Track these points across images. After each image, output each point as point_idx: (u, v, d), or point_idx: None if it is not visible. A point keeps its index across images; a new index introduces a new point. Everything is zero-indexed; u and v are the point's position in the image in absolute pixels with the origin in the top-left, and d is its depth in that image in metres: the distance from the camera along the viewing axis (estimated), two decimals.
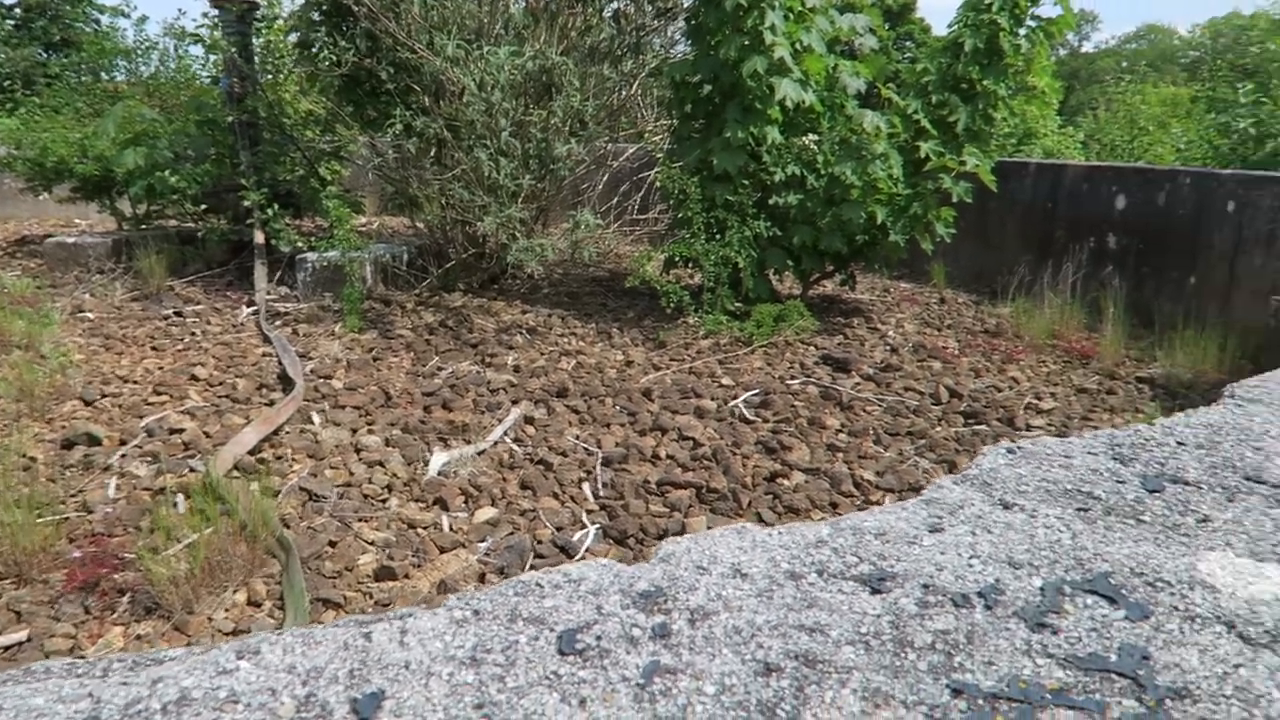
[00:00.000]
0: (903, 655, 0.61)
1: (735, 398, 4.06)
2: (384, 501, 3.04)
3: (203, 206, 6.87)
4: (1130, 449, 1.00)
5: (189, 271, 6.59)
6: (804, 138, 5.15)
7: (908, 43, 10.01)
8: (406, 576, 2.55)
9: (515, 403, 3.96)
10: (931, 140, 5.05)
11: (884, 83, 5.37)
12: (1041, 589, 0.70)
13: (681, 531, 2.74)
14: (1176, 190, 5.70)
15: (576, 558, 2.78)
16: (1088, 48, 49.29)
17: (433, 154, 5.64)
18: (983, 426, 3.84)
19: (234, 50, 6.27)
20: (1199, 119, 13.40)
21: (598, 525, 2.90)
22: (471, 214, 5.41)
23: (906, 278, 7.10)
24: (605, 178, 6.98)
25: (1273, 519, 0.84)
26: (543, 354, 4.78)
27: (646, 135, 6.15)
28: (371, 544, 2.74)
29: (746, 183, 5.17)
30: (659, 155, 5.31)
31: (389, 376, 4.35)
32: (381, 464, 3.32)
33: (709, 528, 2.71)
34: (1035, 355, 4.96)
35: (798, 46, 4.99)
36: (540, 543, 2.77)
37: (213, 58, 7.77)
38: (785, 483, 3.25)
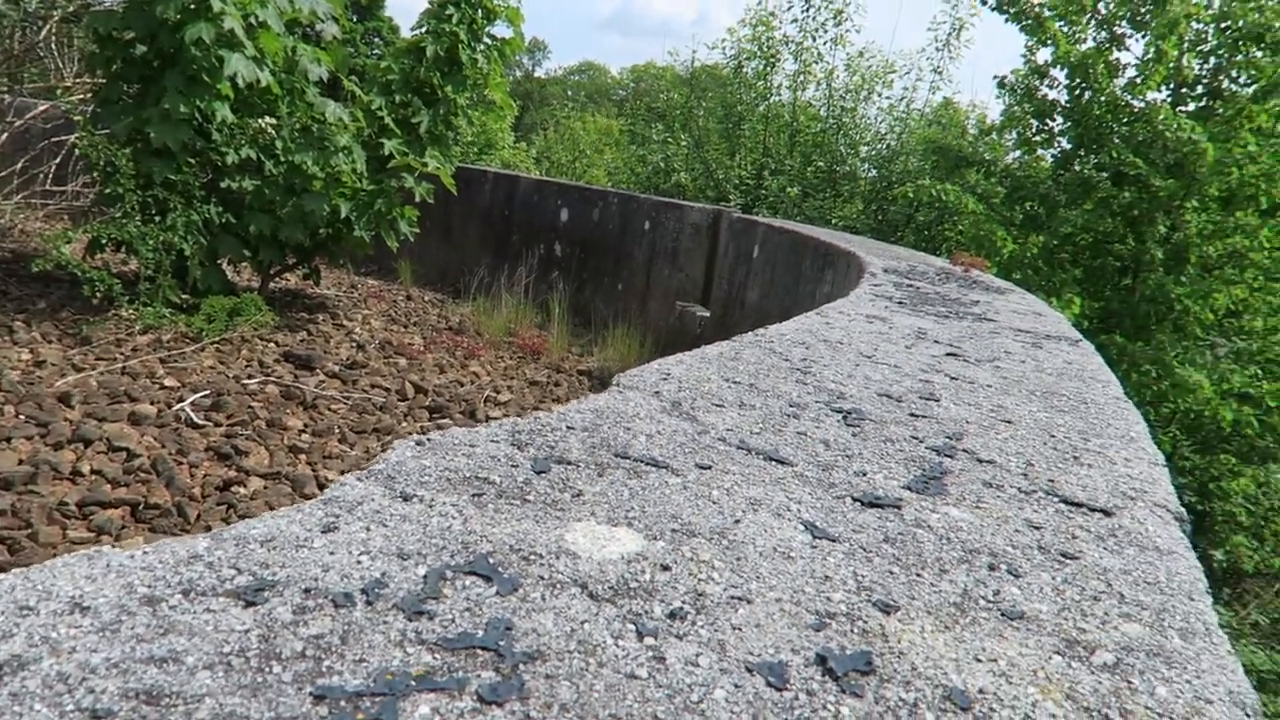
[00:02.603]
0: (267, 670, 0.57)
1: (181, 400, 3.64)
2: None
3: None
4: (528, 435, 1.10)
5: None
6: (261, 120, 4.80)
7: (376, 39, 10.01)
8: None
9: None
10: (395, 139, 5.10)
11: (348, 75, 5.27)
12: (425, 577, 0.72)
13: None
14: (607, 208, 6.59)
15: None
16: (540, 73, 54.52)
17: None
18: (447, 420, 3.98)
19: None
20: (625, 149, 15.75)
21: None
22: None
23: (374, 274, 7.08)
24: (5, 138, 5.70)
25: (630, 489, 0.99)
26: None
27: (63, 93, 5.16)
28: None
29: (193, 161, 4.65)
30: (80, 118, 4.49)
31: None
32: None
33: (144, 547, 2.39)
34: (494, 351, 5.31)
35: (252, 21, 4.63)
36: None
37: None
38: (241, 490, 3.01)
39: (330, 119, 4.79)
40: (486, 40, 5.45)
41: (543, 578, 0.76)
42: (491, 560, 0.76)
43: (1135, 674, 0.77)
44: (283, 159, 4.86)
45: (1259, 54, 7.25)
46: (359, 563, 0.72)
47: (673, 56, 17.11)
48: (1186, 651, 0.82)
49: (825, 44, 11.48)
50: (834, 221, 9.99)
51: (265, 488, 3.05)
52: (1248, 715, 0.76)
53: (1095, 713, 0.70)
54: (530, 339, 5.60)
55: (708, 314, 5.89)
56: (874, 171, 11.23)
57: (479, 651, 0.63)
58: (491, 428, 1.09)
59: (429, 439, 0.99)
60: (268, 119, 4.81)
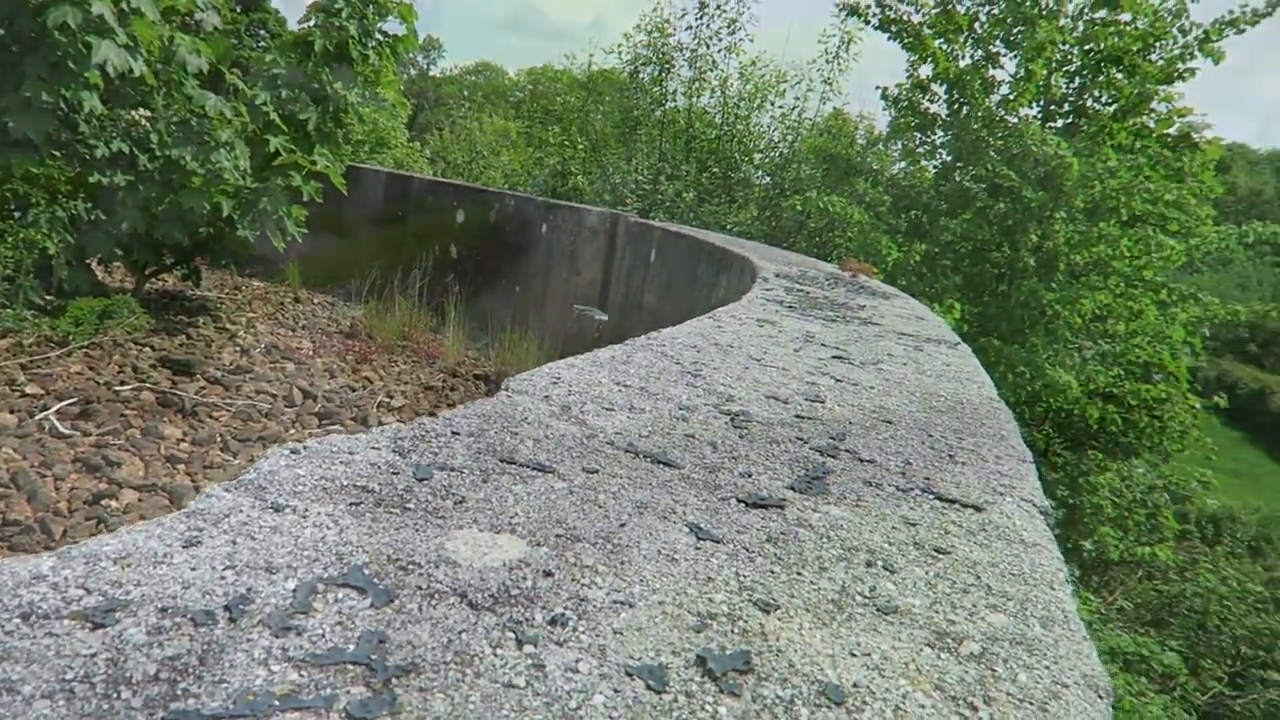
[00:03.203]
0: (115, 696, 0.54)
1: (45, 409, 3.42)
2: None
3: None
4: (411, 441, 1.08)
5: None
6: (134, 112, 4.55)
7: (262, 31, 9.61)
8: None
9: None
10: (282, 135, 4.91)
11: (230, 68, 5.05)
12: (295, 591, 0.69)
13: None
14: (504, 210, 6.52)
15: None
16: (435, 72, 53.28)
17: None
18: (337, 427, 3.86)
19: None
20: (522, 151, 15.66)
21: None
22: None
23: (260, 275, 6.80)
24: None
25: (514, 494, 0.98)
26: None
27: None
28: None
29: (58, 154, 4.37)
30: None
31: None
32: None
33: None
34: (387, 355, 5.18)
35: (124, 7, 4.38)
36: None
37: None
38: (113, 504, 2.86)
39: (211, 113, 4.58)
40: (378, 36, 5.32)
41: (420, 588, 0.74)
42: (366, 571, 0.74)
43: (999, 662, 0.80)
44: (158, 153, 4.62)
45: (1119, 75, 7.77)
46: (223, 578, 0.69)
47: (570, 60, 17.14)
48: (1046, 639, 0.86)
49: (719, 52, 11.69)
50: (729, 227, 10.16)
51: (140, 500, 2.90)
52: (1100, 697, 0.80)
53: (961, 701, 0.73)
54: (425, 343, 5.48)
55: (605, 317, 5.90)
56: (767, 178, 11.49)
57: (349, 666, 0.61)
58: (372, 434, 1.06)
59: (304, 447, 0.95)
60: (142, 111, 4.56)
